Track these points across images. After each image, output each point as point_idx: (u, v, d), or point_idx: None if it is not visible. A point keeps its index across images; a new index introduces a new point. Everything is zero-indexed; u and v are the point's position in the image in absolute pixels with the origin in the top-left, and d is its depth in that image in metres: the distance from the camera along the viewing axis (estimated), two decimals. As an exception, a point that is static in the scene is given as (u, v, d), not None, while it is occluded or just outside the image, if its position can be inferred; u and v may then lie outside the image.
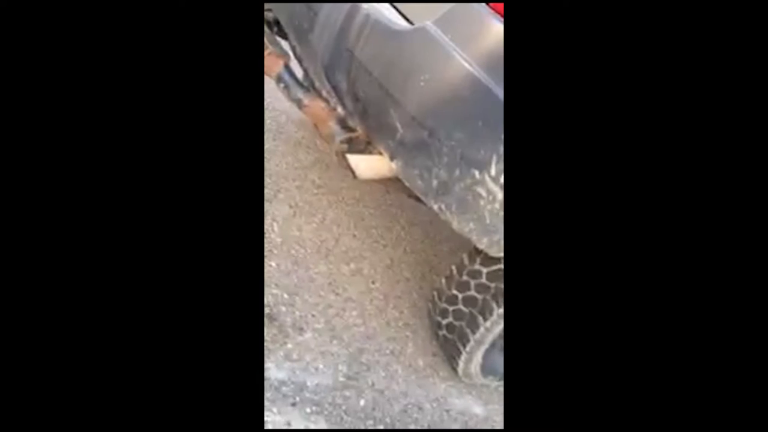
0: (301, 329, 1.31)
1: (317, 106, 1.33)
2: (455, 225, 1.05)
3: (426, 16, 0.96)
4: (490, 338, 1.25)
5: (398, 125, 1.01)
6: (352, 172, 1.30)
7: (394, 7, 1.09)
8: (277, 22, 1.50)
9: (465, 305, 1.25)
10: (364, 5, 1.02)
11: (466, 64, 0.88)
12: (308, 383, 1.20)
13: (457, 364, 1.33)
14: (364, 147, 1.31)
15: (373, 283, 1.55)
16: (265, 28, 1.42)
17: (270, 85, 1.81)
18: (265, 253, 1.45)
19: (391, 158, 1.11)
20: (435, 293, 1.36)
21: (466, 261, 1.25)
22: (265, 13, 1.49)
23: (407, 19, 1.05)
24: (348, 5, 1.02)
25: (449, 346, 1.34)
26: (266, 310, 1.32)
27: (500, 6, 0.86)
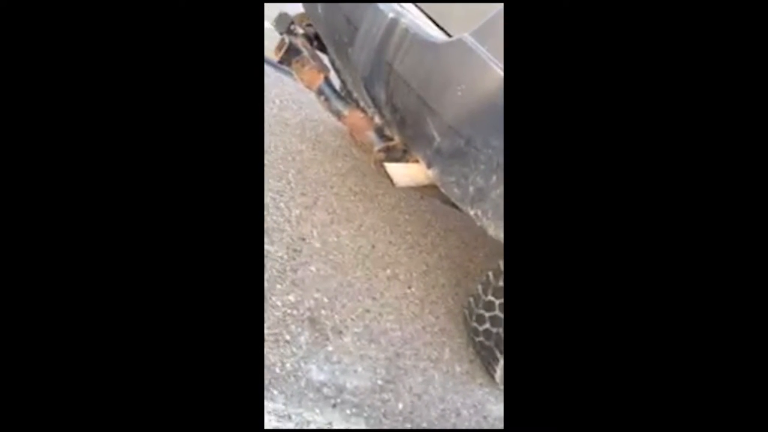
0: (341, 333, 1.35)
1: (356, 116, 1.38)
2: (491, 231, 1.06)
3: (463, 27, 0.98)
4: (528, 345, 1.24)
5: (435, 134, 1.04)
6: (390, 179, 1.33)
7: (431, 20, 1.12)
8: (317, 37, 1.56)
9: (502, 312, 1.25)
10: (403, 20, 1.05)
11: (503, 74, 0.89)
12: (348, 385, 1.23)
13: (495, 370, 1.33)
14: (401, 155, 1.35)
15: (409, 288, 1.58)
16: (306, 43, 1.48)
17: (309, 97, 1.88)
18: (306, 259, 1.50)
19: (428, 166, 1.14)
20: (471, 299, 1.37)
21: (502, 267, 1.26)
22: (306, 28, 1.56)
23: (445, 32, 1.08)
24: (387, 20, 1.06)
25: (486, 353, 1.34)
26: (308, 314, 1.36)
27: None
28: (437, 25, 1.11)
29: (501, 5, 0.92)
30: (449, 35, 1.06)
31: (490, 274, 1.29)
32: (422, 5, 1.17)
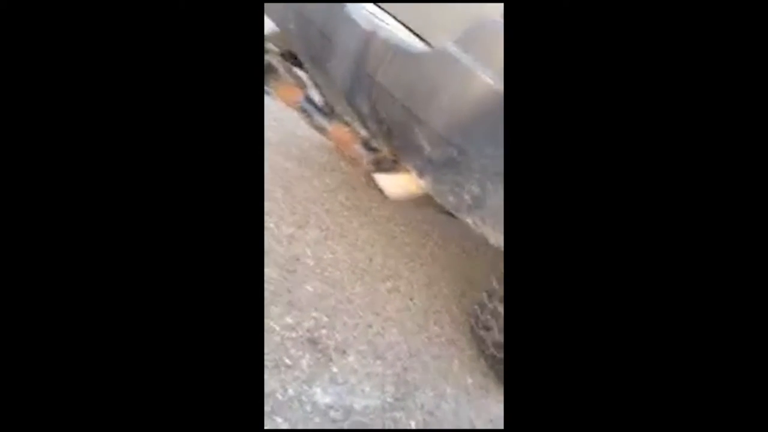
0: (344, 352, 1.31)
1: (341, 130, 1.35)
2: (492, 239, 1.03)
3: (443, 36, 0.96)
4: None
5: (425, 144, 1.01)
6: (382, 192, 1.30)
7: (411, 30, 1.10)
8: (293, 54, 1.53)
9: (508, 317, 1.22)
10: (380, 31, 1.02)
11: (490, 80, 0.87)
12: (356, 406, 1.19)
13: (506, 378, 1.30)
14: (391, 166, 1.32)
15: (411, 299, 1.54)
16: (282, 61, 1.45)
17: (292, 114, 1.85)
18: (301, 278, 1.46)
19: (420, 176, 1.11)
20: (477, 308, 1.34)
21: (505, 272, 1.23)
22: (280, 46, 1.53)
23: (425, 42, 1.06)
24: (364, 32, 1.03)
25: (499, 365, 1.31)
26: (307, 335, 1.32)
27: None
28: (414, 33, 1.08)
29: (480, 13, 0.90)
30: (429, 45, 1.03)
31: (495, 281, 1.27)
32: (396, 12, 1.14)
